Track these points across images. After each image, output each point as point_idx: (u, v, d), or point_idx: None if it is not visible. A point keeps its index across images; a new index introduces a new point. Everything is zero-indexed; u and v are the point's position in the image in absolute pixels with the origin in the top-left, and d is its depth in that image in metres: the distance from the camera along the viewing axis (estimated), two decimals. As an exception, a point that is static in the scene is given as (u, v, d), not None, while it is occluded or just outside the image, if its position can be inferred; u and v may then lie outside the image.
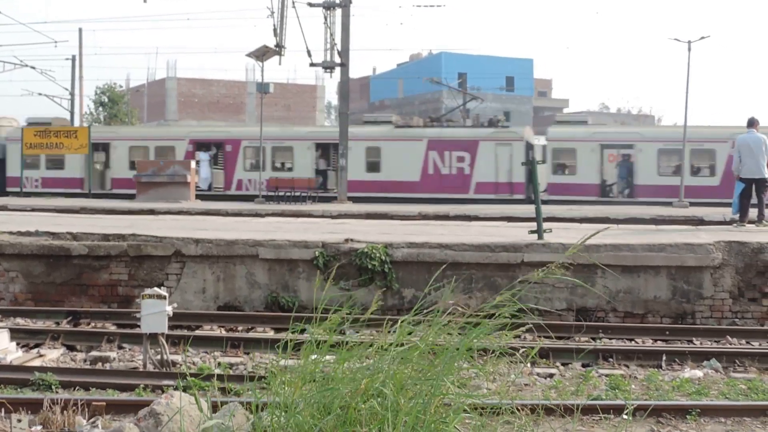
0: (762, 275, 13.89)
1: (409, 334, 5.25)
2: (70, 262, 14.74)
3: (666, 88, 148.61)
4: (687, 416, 8.56)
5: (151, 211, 27.20)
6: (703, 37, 37.50)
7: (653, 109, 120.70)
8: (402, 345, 5.16)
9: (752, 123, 17.87)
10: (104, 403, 8.17)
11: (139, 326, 10.51)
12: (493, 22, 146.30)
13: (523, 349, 5.62)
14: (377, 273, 13.97)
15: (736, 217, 17.97)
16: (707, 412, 8.66)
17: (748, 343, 12.41)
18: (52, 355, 11.25)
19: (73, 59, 54.08)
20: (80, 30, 54.77)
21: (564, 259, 5.80)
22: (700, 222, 23.83)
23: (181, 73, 73.56)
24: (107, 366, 10.86)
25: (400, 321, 5.31)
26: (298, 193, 35.86)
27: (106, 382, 9.66)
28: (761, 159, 17.39)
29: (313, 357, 5.27)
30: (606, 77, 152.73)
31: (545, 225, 14.94)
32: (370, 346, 5.33)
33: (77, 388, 9.41)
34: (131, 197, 35.30)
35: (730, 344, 12.28)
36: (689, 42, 37.27)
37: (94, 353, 11.37)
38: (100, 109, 64.33)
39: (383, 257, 13.98)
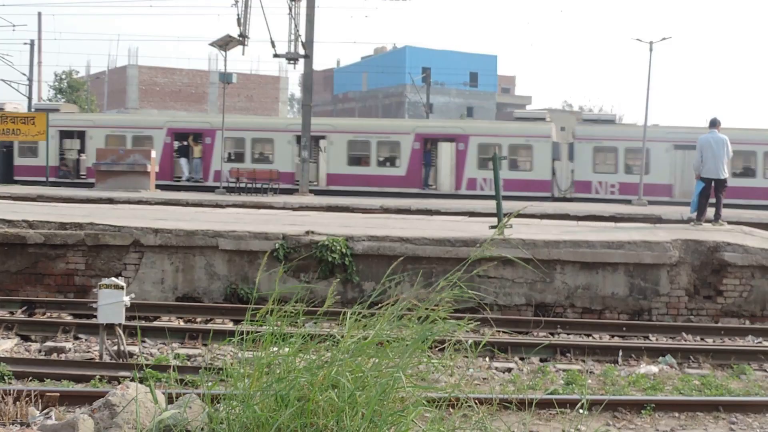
0: (717, 273, 14.07)
1: (365, 326, 5.24)
2: (25, 250, 14.55)
3: (628, 88, 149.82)
4: (642, 411, 8.66)
5: (110, 200, 26.98)
6: (664, 38, 37.91)
7: (614, 108, 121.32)
8: (363, 338, 5.15)
9: (715, 123, 18.05)
10: (58, 394, 8.09)
11: (95, 316, 10.42)
12: (458, 17, 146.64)
13: (471, 341, 5.64)
14: (338, 266, 13.95)
15: (694, 215, 18.16)
16: (662, 407, 8.78)
17: (702, 339, 12.58)
18: (6, 345, 11.10)
19: (32, 44, 53.46)
20: (39, 14, 54.42)
21: (522, 253, 5.79)
22: (658, 220, 24.07)
23: (142, 61, 73.10)
24: (62, 357, 10.74)
25: (350, 312, 5.29)
26: (259, 185, 35.71)
27: (61, 372, 9.56)
28: (722, 159, 17.57)
29: (273, 349, 5.24)
30: (569, 75, 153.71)
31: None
32: (328, 338, 5.32)
33: (31, 378, 9.31)
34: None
35: (685, 341, 12.44)
36: (651, 42, 37.66)
37: (50, 344, 11.24)
38: (60, 96, 63.61)
39: (344, 250, 13.96)
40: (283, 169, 37.58)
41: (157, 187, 34.66)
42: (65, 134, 41.20)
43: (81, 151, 41.48)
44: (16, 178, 40.70)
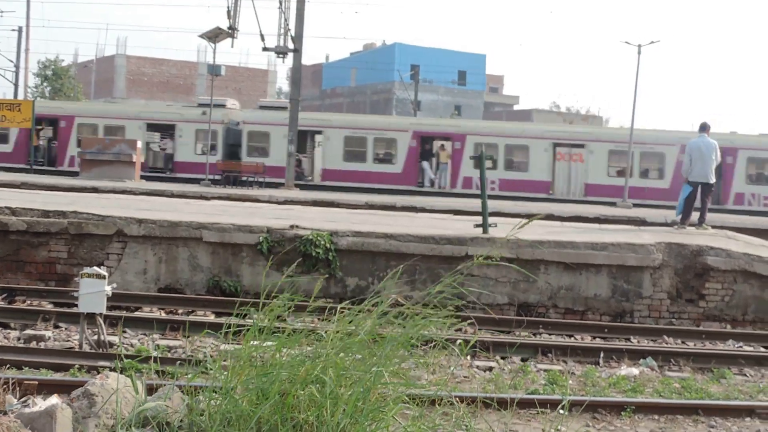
0: (700, 277, 14.11)
1: (350, 322, 5.23)
2: (7, 237, 14.45)
3: (616, 90, 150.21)
4: (622, 413, 8.68)
5: (95, 189, 26.82)
6: (653, 41, 38.05)
7: (602, 110, 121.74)
8: (347, 334, 5.14)
9: (704, 128, 18.11)
10: (36, 383, 8.03)
11: (76, 305, 10.36)
12: (448, 15, 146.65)
13: (459, 341, 5.64)
14: (321, 260, 13.92)
15: (678, 219, 18.23)
16: (642, 410, 8.80)
17: (683, 343, 12.61)
18: (-14, 331, 11.04)
19: (20, 31, 53.14)
20: (28, 1, 53.75)
21: (506, 253, 5.79)
22: (642, 222, 24.14)
23: (131, 50, 72.86)
24: (42, 345, 10.68)
25: (338, 308, 5.28)
26: (244, 178, 35.64)
27: (40, 361, 9.50)
28: (710, 164, 17.63)
29: (255, 343, 5.22)
30: (557, 76, 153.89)
31: (491, 220, 14.99)
32: (311, 333, 5.31)
33: (9, 366, 9.25)
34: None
35: (667, 344, 12.47)
36: (639, 45, 37.74)
37: (29, 332, 11.18)
38: (45, 83, 63.27)
39: (328, 245, 13.93)
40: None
41: (396, 192, 34.62)
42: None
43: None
44: None
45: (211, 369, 5.26)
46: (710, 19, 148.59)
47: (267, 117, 39.84)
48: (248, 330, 5.23)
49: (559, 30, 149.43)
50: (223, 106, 40.80)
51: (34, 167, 38.45)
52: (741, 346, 12.49)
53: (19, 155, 40.17)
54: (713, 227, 18.85)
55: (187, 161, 39.51)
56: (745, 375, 10.91)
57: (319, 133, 39.58)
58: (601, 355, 11.25)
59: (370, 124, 40.60)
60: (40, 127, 41.03)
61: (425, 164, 39.72)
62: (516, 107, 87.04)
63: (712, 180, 17.88)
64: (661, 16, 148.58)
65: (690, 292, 14.15)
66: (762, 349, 12.32)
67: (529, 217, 6.02)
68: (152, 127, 41.57)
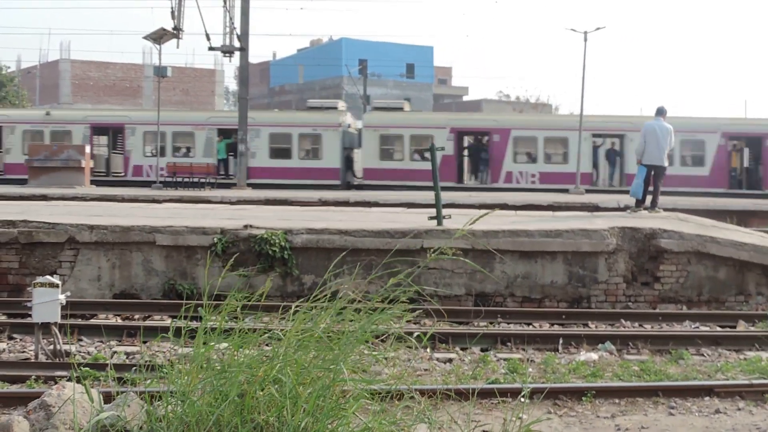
0: (654, 260, 14.25)
1: (307, 320, 5.20)
2: (-44, 249, 14.20)
3: (564, 78, 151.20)
4: (583, 398, 8.74)
5: (44, 197, 26.48)
6: (598, 28, 38.44)
7: (551, 97, 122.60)
8: (304, 332, 5.10)
9: (661, 112, 18.30)
10: (-8, 395, 7.90)
11: (30, 316, 10.21)
12: (394, 9, 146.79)
13: (417, 334, 5.63)
14: (277, 259, 13.85)
15: (634, 201, 18.42)
16: (602, 394, 8.86)
17: (640, 326, 12.73)
18: (-62, 346, 10.83)
19: (-40, 39, 52.17)
20: (-33, 9, 52.82)
21: (461, 244, 5.79)
22: (595, 208, 24.34)
23: (75, 55, 72.23)
24: (-4, 357, 10.51)
25: (294, 306, 5.25)
26: (196, 179, 35.36)
27: (-6, 373, 9.34)
28: (665, 147, 17.83)
29: (214, 344, 5.17)
30: (505, 66, 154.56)
31: (444, 211, 15.01)
32: (268, 332, 5.27)
33: (-36, 380, 9.08)
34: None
35: (624, 327, 12.58)
36: (585, 32, 38.12)
37: (-17, 344, 10.99)
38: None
39: (283, 243, 13.87)
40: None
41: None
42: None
43: None
44: None
45: (168, 373, 5.20)
46: (653, 4, 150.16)
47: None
48: (200, 332, 5.17)
49: (505, 19, 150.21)
50: (334, 108, 40.95)
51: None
52: (697, 327, 12.63)
53: None
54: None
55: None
56: (703, 355, 11.03)
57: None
58: (560, 341, 11.31)
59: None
60: None
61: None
62: (465, 98, 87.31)
63: (666, 163, 18.08)
64: (606, 2, 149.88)
65: (645, 275, 14.28)
66: (718, 329, 12.47)
67: (483, 208, 6.02)
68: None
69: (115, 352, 10.57)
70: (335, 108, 40.95)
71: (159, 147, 37.22)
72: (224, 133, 40.08)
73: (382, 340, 5.39)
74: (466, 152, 40.52)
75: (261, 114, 43.17)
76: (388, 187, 35.79)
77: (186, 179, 35.04)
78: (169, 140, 39.46)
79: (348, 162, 40.30)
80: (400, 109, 41.47)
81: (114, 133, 41.59)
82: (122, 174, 39.96)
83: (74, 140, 38.61)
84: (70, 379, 6.70)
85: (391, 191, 32.82)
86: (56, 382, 7.89)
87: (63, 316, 10.23)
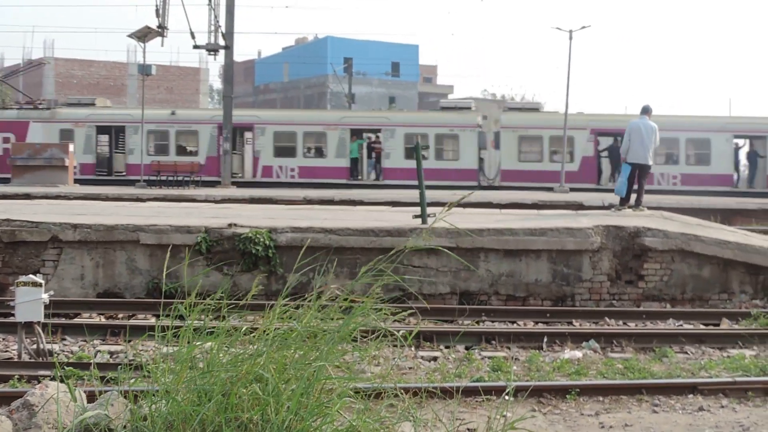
0: (638, 258, 14.29)
1: (290, 318, 5.19)
2: (-61, 248, 14.12)
3: (549, 76, 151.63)
4: (567, 396, 8.76)
5: (27, 196, 26.34)
6: (584, 27, 38.44)
7: (536, 96, 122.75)
8: (289, 330, 5.09)
9: (646, 110, 18.35)
10: (-26, 395, 7.86)
11: (13, 315, 10.16)
12: (379, 7, 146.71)
13: (402, 332, 5.62)
14: (261, 258, 13.83)
15: (618, 200, 18.48)
16: (586, 392, 8.88)
17: (624, 324, 12.76)
18: None
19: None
20: (-50, 6, 52.51)
21: (445, 242, 5.79)
22: (580, 206, 24.39)
23: (59, 53, 71.42)
24: (-21, 356, 10.45)
25: (277, 304, 5.24)
26: (180, 178, 35.25)
27: (-23, 372, 9.29)
28: (650, 146, 17.89)
29: (198, 343, 5.15)
30: (490, 64, 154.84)
31: (429, 210, 15.01)
32: (251, 330, 5.25)
33: (-54, 380, 9.03)
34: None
35: (608, 325, 12.60)
36: (570, 31, 38.14)
37: (-35, 343, 10.93)
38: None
39: (267, 242, 13.84)
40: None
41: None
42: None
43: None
44: None
45: (152, 372, 5.19)
46: (639, 3, 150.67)
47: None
48: (184, 331, 5.16)
49: (490, 18, 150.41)
50: (468, 108, 40.60)
51: None
52: (681, 325, 12.68)
53: None
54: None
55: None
56: (686, 353, 11.07)
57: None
58: (545, 339, 11.33)
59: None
60: None
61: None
62: (450, 96, 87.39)
63: (650, 162, 18.15)
64: (591, 1, 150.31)
65: (629, 273, 14.32)
66: (702, 327, 12.51)
67: (465, 205, 6.03)
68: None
69: (98, 351, 10.54)
70: (469, 108, 40.59)
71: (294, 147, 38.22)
72: (356, 133, 40.21)
73: (366, 338, 5.38)
74: (605, 153, 38.59)
75: (395, 114, 43.19)
76: (522, 188, 35.64)
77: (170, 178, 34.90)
78: (300, 141, 39.50)
79: (480, 163, 40.09)
80: (536, 110, 41.23)
81: (240, 132, 40.95)
82: (249, 176, 39.79)
83: (200, 141, 38.82)
84: (53, 379, 6.68)
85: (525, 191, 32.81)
86: (39, 382, 7.86)
87: (46, 316, 10.16)
